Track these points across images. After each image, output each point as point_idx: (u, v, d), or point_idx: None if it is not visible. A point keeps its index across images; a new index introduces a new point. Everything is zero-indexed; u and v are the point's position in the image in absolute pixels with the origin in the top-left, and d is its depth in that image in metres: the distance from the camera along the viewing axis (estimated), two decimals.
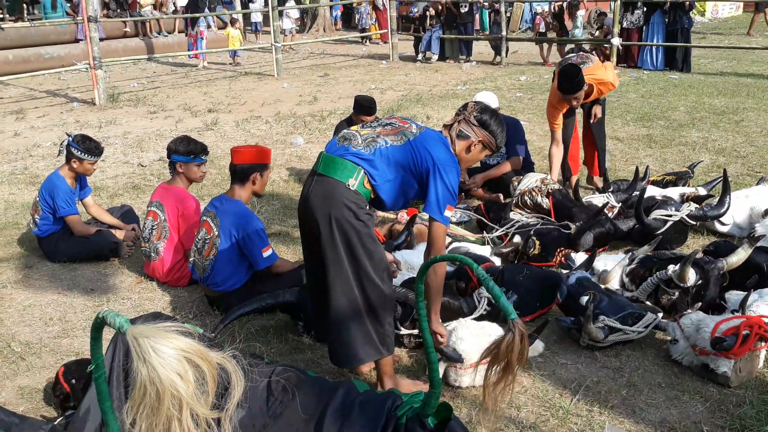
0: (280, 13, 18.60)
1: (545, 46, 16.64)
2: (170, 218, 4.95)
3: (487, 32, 17.32)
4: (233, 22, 17.75)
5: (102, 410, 1.56)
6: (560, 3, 16.72)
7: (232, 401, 1.50)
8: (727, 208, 5.13)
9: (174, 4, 20.56)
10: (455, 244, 4.98)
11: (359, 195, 3.19)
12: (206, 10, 19.09)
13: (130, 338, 1.39)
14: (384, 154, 3.22)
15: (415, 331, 3.91)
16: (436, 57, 17.14)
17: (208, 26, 17.82)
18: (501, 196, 6.16)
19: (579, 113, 6.43)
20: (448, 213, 3.22)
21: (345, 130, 3.37)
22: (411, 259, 4.61)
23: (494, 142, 3.43)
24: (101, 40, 14.64)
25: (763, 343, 3.60)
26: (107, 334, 2.82)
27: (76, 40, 16.91)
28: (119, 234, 5.58)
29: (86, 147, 5.35)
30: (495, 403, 1.96)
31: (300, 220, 3.39)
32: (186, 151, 4.99)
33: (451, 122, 3.45)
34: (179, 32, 19.73)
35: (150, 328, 1.42)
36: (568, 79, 5.57)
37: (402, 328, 3.93)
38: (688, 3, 14.20)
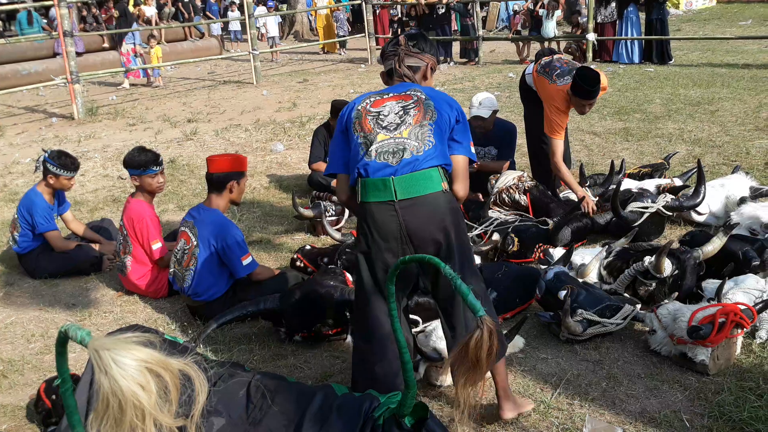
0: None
1: (521, 44, 16.74)
2: (129, 231, 4.94)
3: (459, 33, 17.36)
4: (152, 38, 16.60)
5: (70, 424, 1.57)
6: (531, 2, 16.84)
7: (196, 407, 1.52)
8: (703, 198, 5.18)
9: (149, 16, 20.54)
10: None
11: (449, 192, 3.08)
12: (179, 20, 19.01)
13: (91, 351, 1.40)
14: (430, 136, 3.03)
15: None
16: None
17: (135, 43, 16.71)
18: (480, 195, 6.18)
19: None
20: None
21: (378, 142, 3.03)
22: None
23: (435, 59, 3.35)
24: (80, 54, 14.60)
25: (739, 330, 3.64)
26: (76, 349, 2.80)
27: (54, 55, 16.83)
28: (99, 248, 5.57)
29: (62, 163, 5.34)
30: (467, 400, 1.98)
31: (390, 259, 3.00)
32: (137, 164, 4.94)
33: (391, 63, 3.28)
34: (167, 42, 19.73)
35: (111, 340, 1.43)
36: (591, 83, 5.10)
37: None
38: None
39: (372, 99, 3.18)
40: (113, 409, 1.39)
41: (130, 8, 20.13)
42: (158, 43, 16.98)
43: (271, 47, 20.22)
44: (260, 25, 20.58)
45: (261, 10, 23.85)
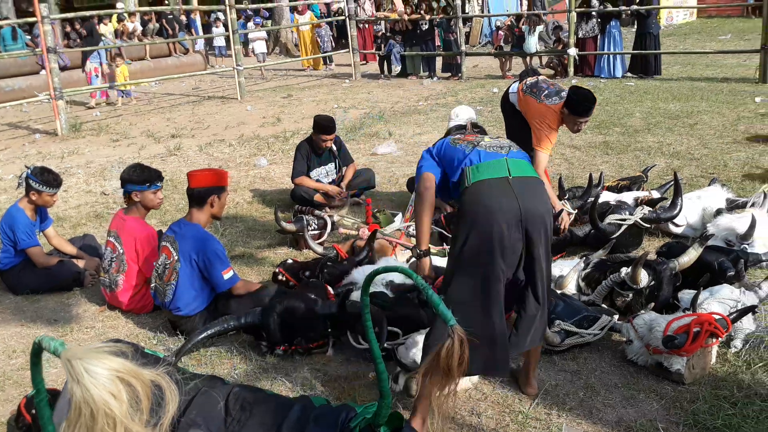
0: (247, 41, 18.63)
1: (503, 59, 16.89)
2: (128, 250, 4.94)
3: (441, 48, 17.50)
4: (118, 56, 16.20)
5: None
6: (513, 17, 17.02)
7: (166, 416, 1.55)
8: (680, 210, 5.25)
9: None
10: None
11: None
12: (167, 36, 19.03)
13: (64, 361, 1.43)
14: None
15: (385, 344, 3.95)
16: (398, 68, 17.43)
17: (101, 63, 16.10)
18: None
19: None
20: None
21: (485, 142, 3.45)
22: None
23: None
24: (65, 69, 14.55)
25: (714, 340, 3.70)
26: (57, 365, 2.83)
27: (41, 68, 16.80)
28: (81, 264, 5.57)
29: (44, 179, 5.35)
30: (440, 409, 2.02)
31: (506, 229, 3.13)
32: (140, 180, 4.98)
33: None
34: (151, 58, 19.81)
35: (83, 350, 1.46)
36: (591, 101, 5.17)
37: (364, 343, 3.98)
38: (645, 11, 14.49)
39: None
40: (85, 417, 1.42)
41: (114, 25, 20.17)
42: (124, 62, 16.69)
43: (261, 62, 20.09)
44: (251, 42, 20.47)
45: (248, 26, 23.97)
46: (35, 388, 1.59)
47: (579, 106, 5.17)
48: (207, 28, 25.03)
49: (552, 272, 4.56)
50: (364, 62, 19.10)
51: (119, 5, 21.68)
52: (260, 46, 20.73)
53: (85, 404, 1.41)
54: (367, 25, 18.51)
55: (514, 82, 5.98)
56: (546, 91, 5.48)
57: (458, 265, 3.22)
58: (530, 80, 5.70)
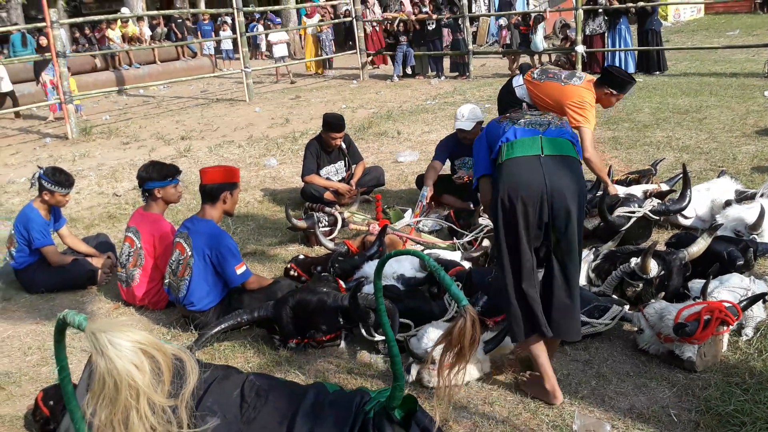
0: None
1: (513, 57, 16.90)
2: (146, 245, 5.00)
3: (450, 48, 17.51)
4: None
5: (69, 410, 1.63)
6: (519, 16, 17.02)
7: (187, 388, 1.58)
8: (689, 202, 5.27)
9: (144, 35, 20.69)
10: (427, 252, 5.08)
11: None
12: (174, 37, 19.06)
13: (88, 334, 1.47)
14: (567, 126, 3.52)
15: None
16: (409, 70, 17.44)
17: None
18: (471, 204, 6.27)
19: None
20: None
21: (526, 119, 3.48)
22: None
23: None
24: (72, 74, 14.56)
25: (725, 327, 3.72)
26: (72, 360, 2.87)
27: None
28: (95, 262, 5.62)
29: (56, 179, 5.41)
30: (449, 388, 2.06)
31: (529, 205, 3.21)
32: (162, 176, 5.05)
33: None
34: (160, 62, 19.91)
35: (107, 323, 1.50)
36: (627, 75, 5.63)
37: (376, 335, 4.02)
38: (650, 8, 14.48)
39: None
40: (109, 388, 1.46)
41: (119, 29, 20.24)
42: (72, 75, 14.67)
43: (278, 66, 19.27)
44: (273, 45, 19.64)
45: (259, 29, 24.02)
46: (59, 365, 1.63)
47: (619, 81, 5.49)
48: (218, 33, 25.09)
49: None
50: (377, 66, 18.91)
51: (124, 10, 21.78)
52: (281, 50, 19.83)
53: (109, 376, 1.45)
54: (378, 27, 18.42)
55: (514, 76, 6.03)
56: (564, 74, 5.66)
57: (496, 238, 3.35)
58: (537, 70, 5.77)
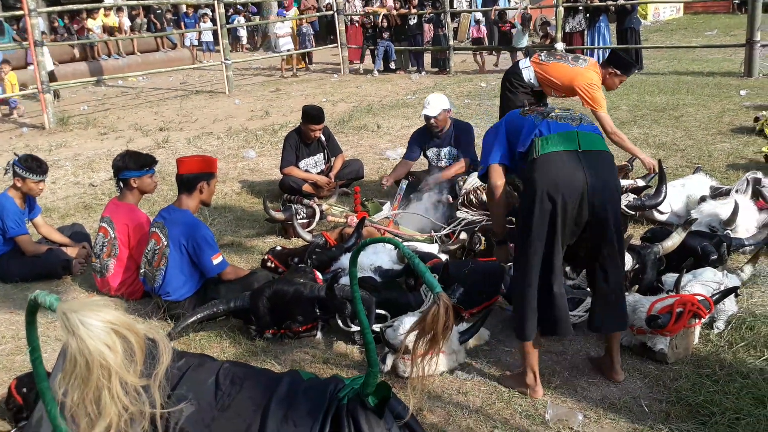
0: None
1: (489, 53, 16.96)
2: (120, 235, 4.97)
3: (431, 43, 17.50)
4: (5, 63, 13.97)
5: (40, 390, 1.63)
6: (496, 14, 17.07)
7: (160, 367, 1.58)
8: (664, 198, 5.31)
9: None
10: (404, 244, 5.08)
11: None
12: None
13: (60, 314, 1.47)
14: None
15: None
16: (392, 65, 17.40)
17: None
18: (450, 198, 6.28)
19: None
20: None
21: (556, 113, 3.41)
22: (360, 261, 4.69)
23: None
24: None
25: (697, 320, 3.77)
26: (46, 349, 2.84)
27: (26, 65, 16.68)
28: (70, 252, 5.58)
29: (28, 166, 5.36)
30: (422, 376, 2.08)
31: (569, 202, 3.16)
32: (138, 165, 5.03)
33: None
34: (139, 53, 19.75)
35: (78, 304, 1.50)
36: (635, 60, 5.89)
37: (353, 326, 4.03)
38: (630, 6, 14.58)
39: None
40: (81, 368, 1.46)
41: (102, 18, 20.04)
42: (12, 69, 14.38)
43: (284, 59, 18.63)
44: (278, 38, 18.82)
45: (240, 20, 23.87)
46: (30, 346, 1.62)
47: (626, 64, 5.77)
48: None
49: None
50: (359, 62, 18.77)
51: (107, 0, 21.56)
52: (286, 42, 18.80)
53: (80, 355, 1.45)
54: (357, 23, 18.33)
55: (522, 59, 6.21)
56: (570, 57, 6.02)
57: (524, 234, 3.25)
58: (542, 53, 6.08)
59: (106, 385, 1.48)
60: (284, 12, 19.76)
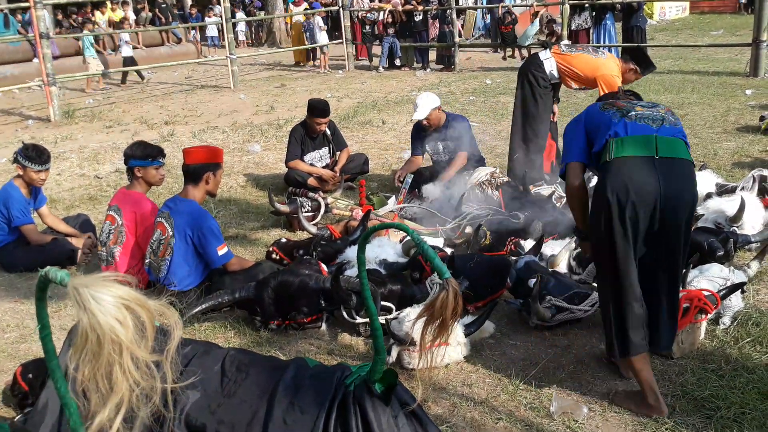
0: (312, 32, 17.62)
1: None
2: (127, 222, 4.97)
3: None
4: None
5: (49, 369, 1.63)
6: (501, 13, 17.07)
7: (172, 343, 1.59)
8: None
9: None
10: (409, 238, 5.08)
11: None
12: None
13: (71, 289, 1.46)
14: (679, 125, 3.20)
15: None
16: (397, 62, 17.36)
17: None
18: None
19: None
20: None
21: (636, 111, 3.18)
22: (366, 254, 4.69)
23: None
24: (55, 58, 14.48)
25: (703, 316, 3.75)
26: None
27: (32, 59, 16.71)
28: (75, 242, 5.59)
29: (28, 155, 5.38)
30: (431, 359, 2.07)
31: (641, 211, 2.97)
32: (143, 155, 5.01)
33: None
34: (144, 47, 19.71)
35: (89, 279, 1.50)
36: (653, 63, 6.04)
37: (357, 317, 4.03)
38: (636, 4, 14.55)
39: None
40: (92, 343, 1.46)
41: (109, 13, 20.07)
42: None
43: (317, 56, 18.50)
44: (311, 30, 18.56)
45: (240, 15, 23.89)
46: (40, 323, 1.62)
47: (647, 62, 5.91)
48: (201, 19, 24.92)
49: (544, 251, 4.66)
50: (365, 58, 18.67)
51: None
52: (323, 37, 18.34)
53: (91, 330, 1.45)
54: (357, 19, 18.26)
55: (540, 51, 6.24)
56: (590, 48, 6.18)
57: (598, 243, 3.14)
58: (563, 43, 6.09)
59: (117, 361, 1.47)
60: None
